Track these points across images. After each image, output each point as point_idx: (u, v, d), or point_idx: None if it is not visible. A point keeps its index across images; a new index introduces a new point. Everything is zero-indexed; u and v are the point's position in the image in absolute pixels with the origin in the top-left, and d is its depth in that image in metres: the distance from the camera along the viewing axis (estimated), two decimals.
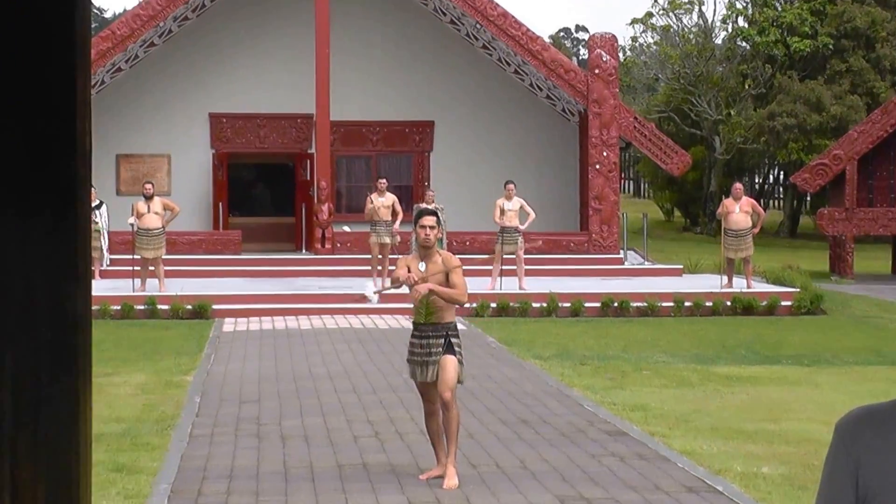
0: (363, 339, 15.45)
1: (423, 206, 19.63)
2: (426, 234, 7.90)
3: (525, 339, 15.97)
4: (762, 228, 22.25)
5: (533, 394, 11.18)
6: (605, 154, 24.75)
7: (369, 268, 20.93)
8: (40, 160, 1.35)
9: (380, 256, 20.40)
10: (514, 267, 20.23)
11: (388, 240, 20.21)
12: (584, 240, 25.05)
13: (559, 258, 24.41)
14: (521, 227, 20.26)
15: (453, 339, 7.90)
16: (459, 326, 8.09)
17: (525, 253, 20.65)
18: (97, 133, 25.34)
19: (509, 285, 20.29)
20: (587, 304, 19.47)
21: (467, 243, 24.29)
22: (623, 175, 55.56)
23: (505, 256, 20.28)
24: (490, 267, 20.76)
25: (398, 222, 20.61)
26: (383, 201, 20.41)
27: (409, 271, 8.00)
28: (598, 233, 24.82)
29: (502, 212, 20.05)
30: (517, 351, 14.54)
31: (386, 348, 14.61)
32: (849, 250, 25.96)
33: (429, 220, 7.95)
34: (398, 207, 20.58)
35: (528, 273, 21.09)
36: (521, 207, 20.26)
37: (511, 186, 20.22)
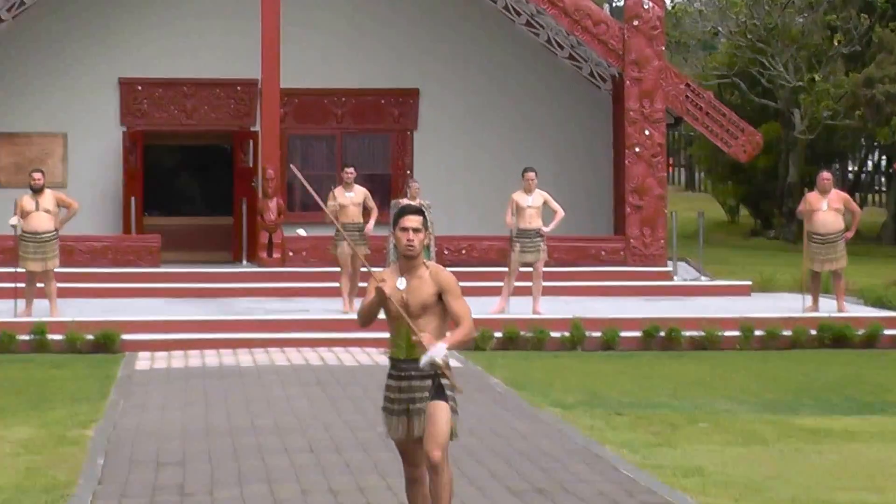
0: (324, 381, 15.24)
1: (405, 202, 19.42)
2: (409, 240, 7.67)
3: (541, 379, 15.79)
4: (858, 232, 22.07)
5: (551, 453, 11.08)
6: (647, 133, 24.54)
7: (337, 284, 20.26)
8: None
9: (349, 271, 19.80)
10: (529, 283, 19.69)
11: (361, 248, 19.63)
12: (619, 247, 24.52)
13: (586, 272, 23.73)
14: (545, 230, 19.89)
15: (444, 381, 7.70)
16: (453, 363, 7.91)
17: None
18: None
19: (520, 307, 19.73)
20: (624, 334, 19.08)
21: (463, 252, 23.64)
22: (671, 161, 54.66)
23: (522, 269, 19.75)
24: (500, 283, 20.07)
25: (371, 223, 20.03)
26: (351, 197, 19.82)
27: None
28: (639, 238, 24.39)
29: (518, 209, 19.66)
30: (530, 396, 14.37)
31: (354, 392, 14.38)
32: None
33: (412, 221, 7.74)
34: (371, 203, 20.12)
35: (546, 291, 20.51)
36: (546, 203, 19.86)
37: (531, 175, 19.93)
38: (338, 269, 20.29)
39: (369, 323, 7.92)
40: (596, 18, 24.83)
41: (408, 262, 7.77)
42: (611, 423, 12.73)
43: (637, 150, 24.69)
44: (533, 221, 19.62)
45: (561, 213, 19.94)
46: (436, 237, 21.46)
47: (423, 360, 7.52)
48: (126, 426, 12.45)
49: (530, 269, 19.77)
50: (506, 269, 20.27)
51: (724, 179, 46.23)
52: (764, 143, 26.76)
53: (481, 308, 19.14)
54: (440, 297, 7.71)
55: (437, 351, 7.47)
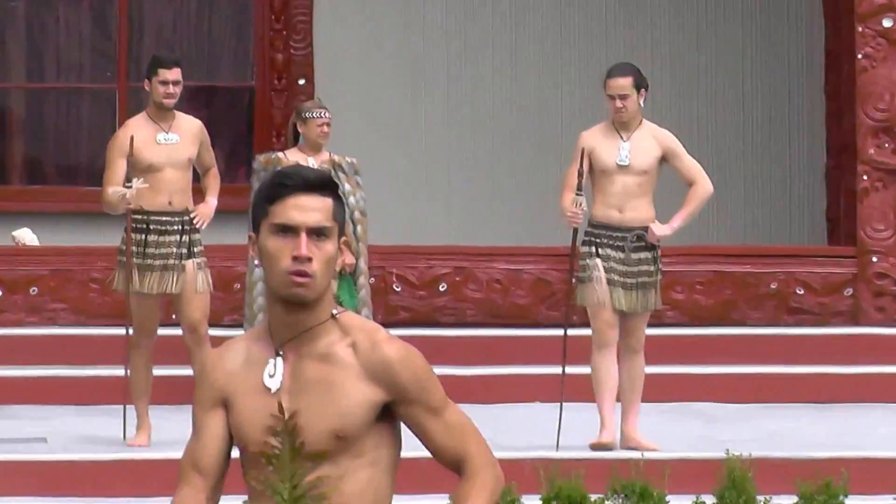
0: None
1: (289, 159, 16.84)
2: (299, 258, 7.64)
3: None
4: None
5: None
6: None
7: (122, 372, 17.42)
8: None
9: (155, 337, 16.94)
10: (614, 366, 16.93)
11: (194, 276, 17.61)
12: (841, 275, 20.98)
13: (757, 337, 20.57)
14: (663, 231, 17.31)
15: None
16: None
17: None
18: None
19: (590, 426, 17.92)
20: (859, 500, 16.50)
21: (443, 288, 21.96)
22: None
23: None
24: (551, 369, 18.02)
25: (212, 203, 17.65)
26: (171, 144, 16.44)
27: (221, 418, 8.27)
28: (891, 250, 23.45)
29: (596, 173, 16.60)
30: None
31: None
32: None
33: (306, 211, 7.78)
34: (210, 159, 17.31)
35: (652, 386, 17.89)
36: (667, 161, 17.49)
37: (625, 84, 15.96)
38: (122, 330, 16.52)
39: None
40: None
41: (294, 317, 7.67)
42: None
43: (879, 42, 22.79)
44: (630, 205, 15.82)
45: (706, 185, 16.63)
46: (368, 248, 18.48)
47: None
48: None
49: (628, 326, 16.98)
50: (560, 332, 17.12)
51: None
52: None
53: (501, 438, 16.56)
54: (387, 408, 7.73)
55: None
